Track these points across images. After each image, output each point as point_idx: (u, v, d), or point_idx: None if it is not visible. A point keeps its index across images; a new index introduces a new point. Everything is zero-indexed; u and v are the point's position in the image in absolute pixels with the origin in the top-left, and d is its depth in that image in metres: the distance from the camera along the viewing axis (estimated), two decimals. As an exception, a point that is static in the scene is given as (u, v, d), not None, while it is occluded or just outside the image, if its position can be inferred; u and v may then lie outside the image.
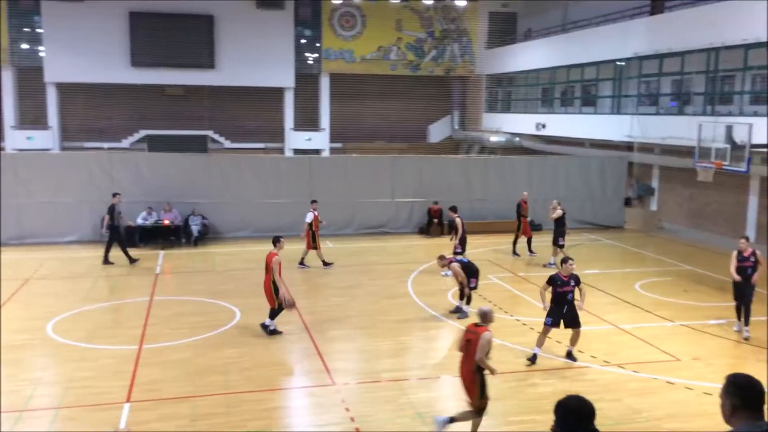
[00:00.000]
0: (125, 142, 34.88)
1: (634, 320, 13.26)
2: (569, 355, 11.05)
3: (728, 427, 3.60)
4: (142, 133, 35.10)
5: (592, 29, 28.04)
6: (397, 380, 10.13)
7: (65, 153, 28.94)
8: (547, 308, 10.89)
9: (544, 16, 35.16)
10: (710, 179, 17.73)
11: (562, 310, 10.82)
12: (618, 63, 25.95)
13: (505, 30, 38.09)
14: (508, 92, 36.61)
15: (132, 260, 17.78)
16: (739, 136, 16.37)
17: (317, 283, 16.05)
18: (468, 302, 13.46)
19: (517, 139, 33.69)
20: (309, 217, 17.62)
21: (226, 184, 21.38)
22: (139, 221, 20.05)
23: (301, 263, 17.70)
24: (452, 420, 8.24)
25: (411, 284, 16.03)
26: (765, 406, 3.57)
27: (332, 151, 36.50)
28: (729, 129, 16.68)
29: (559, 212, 17.89)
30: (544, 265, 17.88)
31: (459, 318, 13.19)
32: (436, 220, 22.46)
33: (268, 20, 34.62)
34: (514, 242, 19.63)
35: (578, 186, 24.06)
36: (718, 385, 3.75)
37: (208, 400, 9.35)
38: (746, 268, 12.45)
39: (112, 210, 17.66)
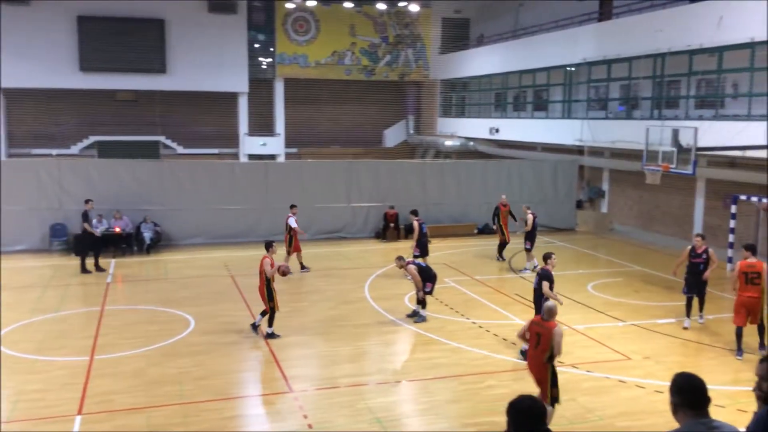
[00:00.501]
0: (74, 149, 34.08)
1: (586, 321, 13.52)
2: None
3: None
4: (92, 139, 34.37)
5: (543, 35, 28.57)
6: (356, 386, 10.13)
7: (12, 160, 28.11)
8: (560, 300, 10.99)
9: (496, 22, 35.67)
10: (658, 182, 18.22)
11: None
12: (568, 68, 26.47)
13: (458, 35, 38.52)
14: (462, 97, 37.01)
15: (85, 270, 17.42)
16: (685, 140, 16.86)
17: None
18: (423, 306, 13.53)
19: (472, 143, 34.09)
20: (293, 222, 17.62)
21: (179, 190, 21.08)
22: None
23: (303, 267, 17.83)
24: None
25: (368, 289, 16.05)
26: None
27: (287, 156, 36.33)
28: (675, 133, 17.17)
29: (530, 217, 18.06)
30: (520, 272, 17.94)
31: (416, 322, 13.26)
32: (392, 225, 22.54)
33: (221, 25, 34.32)
34: (499, 247, 19.54)
35: (531, 189, 24.44)
36: (668, 383, 3.87)
37: (164, 410, 9.20)
38: (698, 264, 13.01)
39: (85, 217, 17.39)
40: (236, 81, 35.23)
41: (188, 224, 21.14)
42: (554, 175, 24.96)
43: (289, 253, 17.62)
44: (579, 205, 26.39)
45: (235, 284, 16.48)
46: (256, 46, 36.63)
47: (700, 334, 12.80)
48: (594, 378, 10.48)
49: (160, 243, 20.45)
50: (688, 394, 3.61)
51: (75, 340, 12.10)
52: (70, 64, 32.39)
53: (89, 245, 17.58)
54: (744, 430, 3.82)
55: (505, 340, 12.23)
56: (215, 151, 35.90)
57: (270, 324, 12.30)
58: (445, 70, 37.68)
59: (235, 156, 35.84)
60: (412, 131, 40.06)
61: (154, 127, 35.70)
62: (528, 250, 18.12)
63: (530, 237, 18.08)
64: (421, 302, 13.51)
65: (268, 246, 12.76)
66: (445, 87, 38.21)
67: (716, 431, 3.55)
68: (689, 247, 13.35)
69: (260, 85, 36.73)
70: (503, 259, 19.34)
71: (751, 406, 3.95)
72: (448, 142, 35.17)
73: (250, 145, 36.18)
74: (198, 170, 21.63)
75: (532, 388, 9.81)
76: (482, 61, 33.39)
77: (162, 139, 35.53)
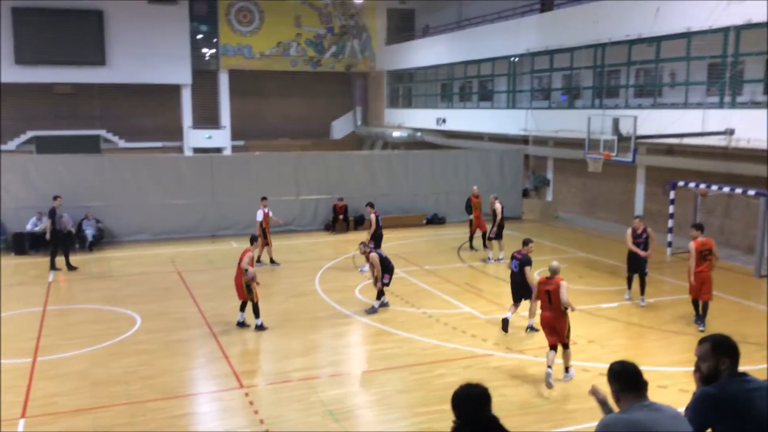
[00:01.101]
0: (11, 144, 32.93)
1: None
2: (532, 328, 12.11)
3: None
4: (30, 134, 33.28)
5: (487, 26, 28.86)
6: (307, 379, 10.11)
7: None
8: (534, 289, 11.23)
9: (440, 13, 35.86)
10: (600, 170, 18.61)
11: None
12: (512, 59, 26.81)
13: (404, 26, 38.58)
14: (408, 88, 37.12)
15: (71, 267, 17.23)
16: (625, 128, 17.24)
17: (222, 285, 15.70)
18: (378, 296, 13.56)
19: (419, 133, 34.26)
20: (259, 215, 17.59)
21: (121, 185, 20.58)
22: (29, 227, 19.02)
23: (272, 261, 17.81)
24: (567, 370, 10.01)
25: (318, 281, 16.00)
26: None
27: (234, 149, 35.87)
28: (616, 121, 17.53)
29: (498, 207, 17.97)
30: (492, 260, 17.99)
31: (368, 313, 13.29)
32: (341, 217, 22.50)
33: (162, 15, 33.59)
34: (470, 237, 19.50)
35: (479, 178, 24.66)
36: (613, 365, 4.00)
37: (110, 411, 9.01)
38: (639, 244, 13.73)
39: (53, 214, 16.89)
40: (179, 73, 34.55)
41: (132, 220, 20.69)
42: (500, 164, 25.29)
43: (262, 246, 17.52)
44: (525, 193, 26.83)
45: (182, 280, 16.22)
46: (199, 37, 35.99)
47: (642, 316, 13.19)
48: (541, 363, 10.67)
49: (103, 240, 19.96)
50: (625, 379, 3.74)
51: (17, 342, 11.72)
52: (6, 57, 31.23)
53: (59, 243, 17.18)
54: (684, 409, 3.96)
55: (454, 329, 12.37)
56: (158, 144, 35.20)
57: (257, 315, 12.34)
58: (391, 61, 37.72)
59: (180, 149, 35.22)
60: (359, 122, 40.01)
61: (94, 121, 34.79)
62: (494, 239, 18.01)
63: (499, 227, 17.95)
64: (379, 292, 13.52)
65: (253, 239, 13.08)
66: (392, 78, 38.27)
67: (656, 413, 3.67)
68: (629, 229, 13.90)
69: (204, 76, 36.11)
70: (474, 249, 19.25)
71: (693, 386, 4.10)
72: (396, 133, 35.27)
73: (195, 138, 35.59)
74: (140, 165, 21.16)
75: (481, 376, 9.97)
76: (428, 52, 33.54)
77: (102, 133, 34.65)
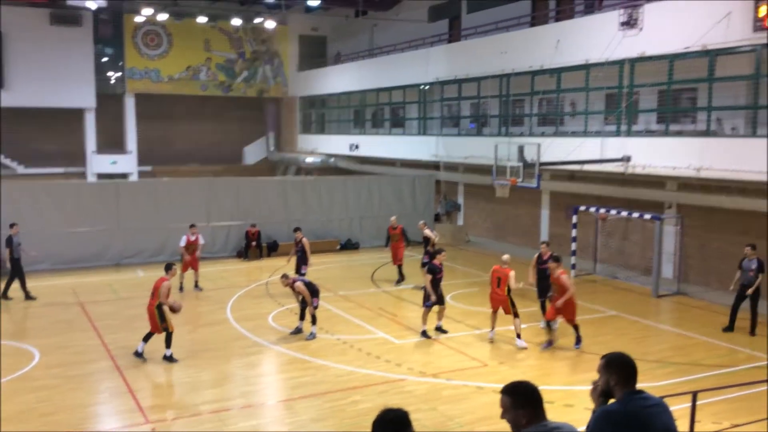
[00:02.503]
0: None
1: (447, 330, 13.94)
2: (439, 329, 13.62)
3: None
4: None
5: (398, 54, 29.44)
6: (218, 411, 9.84)
7: None
8: (431, 295, 13.30)
9: (352, 41, 36.30)
10: (507, 195, 19.21)
11: (437, 292, 13.40)
12: (422, 87, 27.41)
13: (316, 53, 38.78)
14: (321, 114, 37.23)
15: (29, 297, 16.48)
16: (530, 155, 17.90)
17: (127, 316, 15.13)
18: (314, 322, 13.41)
19: (332, 159, 34.35)
20: (182, 241, 17.51)
21: (18, 213, 19.46)
22: None
23: (196, 286, 17.66)
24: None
25: (230, 310, 15.67)
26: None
27: (141, 174, 34.80)
28: (521, 149, 18.18)
29: (427, 232, 17.95)
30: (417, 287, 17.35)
31: (307, 339, 13.16)
32: (254, 243, 22.18)
33: (65, 37, 32.44)
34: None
35: (392, 204, 24.97)
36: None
37: (4, 454, 8.48)
38: (545, 269, 14.10)
39: (10, 242, 16.21)
40: (82, 96, 33.35)
41: (31, 249, 19.58)
42: (412, 189, 25.67)
43: (184, 269, 17.42)
44: (437, 218, 27.30)
45: (85, 312, 15.51)
46: (104, 60, 34.94)
47: (547, 337, 13.58)
48: (453, 386, 10.84)
49: (-2, 271, 18.83)
50: (523, 398, 3.84)
51: None
52: None
53: (16, 271, 16.55)
54: (584, 428, 4.10)
55: (368, 354, 12.38)
56: (60, 170, 33.68)
57: (168, 345, 11.89)
58: (304, 87, 37.77)
59: (83, 175, 33.86)
60: (272, 148, 39.74)
61: (-10, 146, 33.04)
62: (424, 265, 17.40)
63: (427, 252, 17.54)
64: (313, 318, 13.37)
65: (168, 267, 12.59)
66: (305, 104, 38.31)
67: (556, 431, 3.78)
68: (537, 254, 14.37)
69: (109, 100, 34.98)
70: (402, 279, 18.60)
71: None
72: (309, 159, 35.23)
73: (99, 163, 34.33)
74: (40, 191, 20.21)
75: (395, 400, 9.99)
76: (340, 79, 33.82)
77: (0, 158, 32.87)
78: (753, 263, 13.45)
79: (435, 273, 13.50)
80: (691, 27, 15.98)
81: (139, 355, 11.99)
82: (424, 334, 13.39)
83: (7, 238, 16.48)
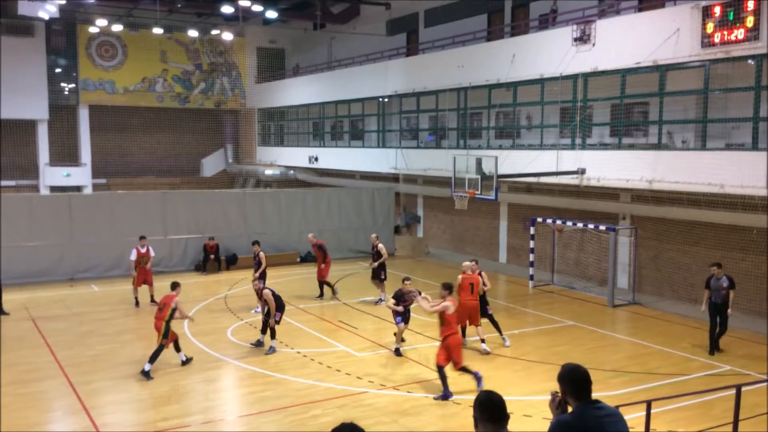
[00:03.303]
0: None
1: (407, 342, 13.98)
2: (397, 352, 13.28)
3: None
4: None
5: (356, 67, 29.55)
6: (177, 428, 9.67)
7: None
8: (400, 313, 13.25)
9: (310, 53, 36.33)
10: (466, 207, 19.38)
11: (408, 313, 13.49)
12: (381, 100, 27.55)
13: (274, 65, 38.69)
14: (280, 126, 37.10)
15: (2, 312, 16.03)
16: (488, 168, 18.11)
17: (80, 332, 14.80)
18: (273, 336, 13.28)
19: (292, 171, 34.25)
20: (133, 254, 17.19)
21: (-33, 227, 18.99)
22: None
23: (152, 300, 17.18)
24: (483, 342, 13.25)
25: (188, 324, 15.41)
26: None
27: (95, 187, 34.16)
28: (479, 161, 18.40)
29: (381, 246, 17.49)
30: (376, 303, 17.46)
31: (267, 354, 13.03)
32: (212, 256, 21.91)
33: (16, 48, 31.76)
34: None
35: (351, 216, 25.00)
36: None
37: (-49, 477, 8.18)
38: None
39: None
40: (34, 107, 32.64)
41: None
42: (372, 202, 25.72)
43: (137, 284, 17.26)
44: (397, 230, 27.39)
45: (37, 328, 15.10)
46: (58, 71, 34.27)
47: (505, 348, 13.72)
48: (414, 398, 10.86)
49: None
50: (487, 410, 3.89)
51: None
52: None
53: None
54: (543, 437, 4.16)
55: (329, 368, 12.32)
56: (12, 183, 32.89)
57: (152, 360, 11.82)
58: (262, 99, 37.61)
59: (35, 188, 33.06)
60: (231, 160, 39.44)
61: (-64, 158, 32.03)
62: (382, 281, 17.53)
63: (382, 267, 17.44)
64: (272, 331, 13.33)
65: (174, 286, 12.78)
66: (263, 116, 38.13)
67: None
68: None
69: (62, 112, 34.34)
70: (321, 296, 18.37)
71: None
72: (268, 171, 35.04)
73: (52, 176, 33.59)
74: (-10, 205, 19.66)
75: (356, 414, 9.98)
76: (299, 91, 33.78)
77: (-53, 170, 31.95)
78: (723, 281, 13.19)
79: (400, 300, 13.31)
80: (643, 42, 16.43)
81: (186, 362, 12.46)
82: (397, 351, 13.20)
83: None
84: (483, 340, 13.25)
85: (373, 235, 18.37)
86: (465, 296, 13.18)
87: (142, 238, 17.75)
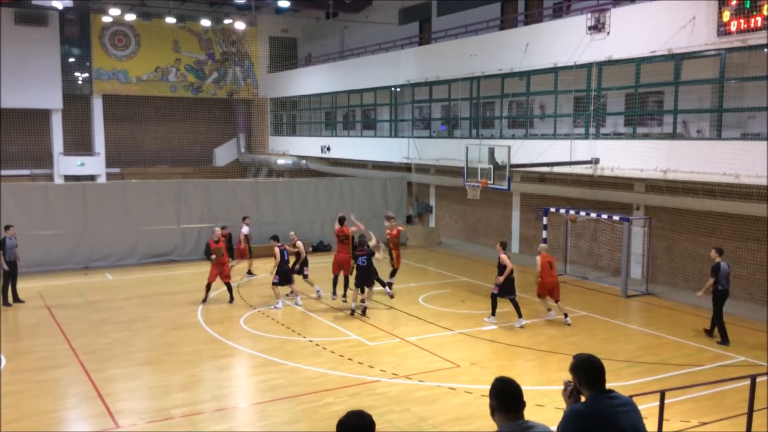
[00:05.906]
0: None
1: (418, 332, 14.02)
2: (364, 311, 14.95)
3: None
4: None
5: (368, 57, 29.45)
6: (190, 415, 9.75)
7: None
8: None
9: (323, 43, 36.25)
10: (478, 197, 19.33)
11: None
12: (393, 89, 27.48)
13: (287, 54, 38.66)
14: (292, 116, 37.10)
15: (6, 303, 16.00)
16: (500, 157, 18.03)
17: (92, 320, 14.93)
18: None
19: (304, 161, 34.25)
20: (246, 230, 19.04)
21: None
22: None
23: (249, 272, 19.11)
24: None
25: (201, 313, 15.54)
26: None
27: (109, 176, 34.32)
28: (491, 151, 18.31)
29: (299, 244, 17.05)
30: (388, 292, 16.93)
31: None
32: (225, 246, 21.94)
33: (30, 37, 31.85)
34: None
35: (363, 206, 24.98)
36: (491, 387, 4.14)
37: (-31, 462, 8.30)
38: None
39: (3, 244, 15.75)
40: (49, 97, 32.78)
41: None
42: (384, 191, 25.71)
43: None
44: (409, 220, 27.37)
45: (52, 316, 15.25)
46: (71, 60, 34.40)
47: (518, 338, 13.73)
48: (426, 387, 10.88)
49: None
50: (504, 397, 3.88)
51: None
52: None
53: (10, 273, 16.15)
54: (556, 427, 4.16)
55: (341, 356, 12.36)
56: (26, 172, 33.16)
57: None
58: (274, 88, 37.61)
59: (50, 177, 33.29)
60: (243, 150, 39.50)
61: (-48, 147, 32.29)
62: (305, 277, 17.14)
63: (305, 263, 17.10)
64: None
65: (342, 219, 16.26)
66: (275, 105, 38.14)
67: (529, 431, 3.83)
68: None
69: (76, 101, 34.49)
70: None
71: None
72: (281, 161, 35.08)
73: (66, 165, 33.78)
74: (5, 193, 19.80)
75: (368, 402, 10.01)
76: (311, 81, 33.74)
77: (-38, 160, 32.22)
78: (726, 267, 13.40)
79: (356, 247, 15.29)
80: (657, 31, 16.27)
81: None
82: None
83: (1, 241, 15.98)
84: (566, 314, 14.46)
85: (292, 232, 17.76)
86: (545, 274, 14.29)
87: (245, 218, 19.54)
